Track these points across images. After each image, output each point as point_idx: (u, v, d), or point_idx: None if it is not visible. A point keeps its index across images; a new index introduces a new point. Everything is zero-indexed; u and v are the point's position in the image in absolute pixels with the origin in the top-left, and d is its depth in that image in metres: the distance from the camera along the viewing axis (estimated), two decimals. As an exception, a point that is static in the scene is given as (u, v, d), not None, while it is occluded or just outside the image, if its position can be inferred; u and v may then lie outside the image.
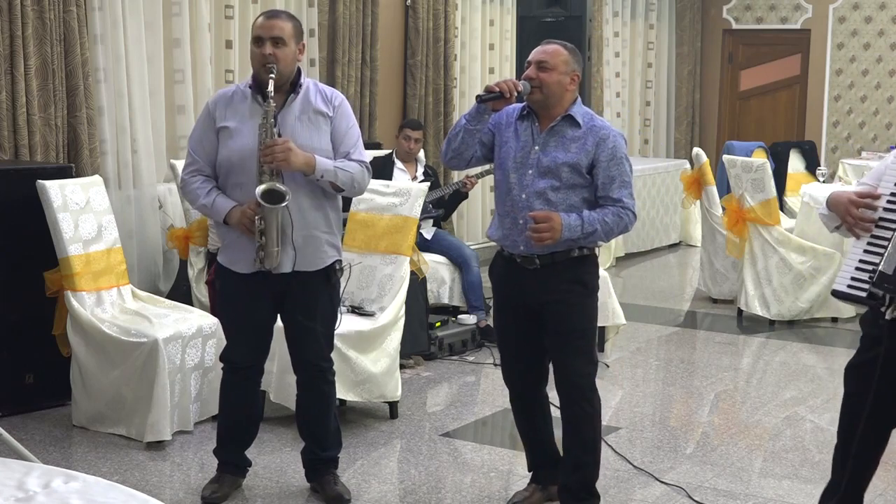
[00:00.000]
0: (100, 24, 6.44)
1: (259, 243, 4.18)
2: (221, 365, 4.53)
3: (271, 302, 4.35)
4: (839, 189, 3.50)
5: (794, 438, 5.39)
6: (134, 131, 6.69)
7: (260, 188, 4.13)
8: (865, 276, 3.24)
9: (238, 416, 4.52)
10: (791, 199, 9.86)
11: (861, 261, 3.28)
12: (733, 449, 5.28)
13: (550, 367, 4.43)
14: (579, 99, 4.28)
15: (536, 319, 4.26)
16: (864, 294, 3.25)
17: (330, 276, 4.39)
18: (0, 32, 5.86)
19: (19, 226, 5.35)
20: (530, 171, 4.18)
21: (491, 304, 7.61)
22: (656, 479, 4.80)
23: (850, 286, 3.28)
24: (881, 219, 3.29)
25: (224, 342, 5.33)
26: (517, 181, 4.19)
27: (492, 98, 4.12)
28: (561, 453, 4.42)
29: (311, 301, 4.37)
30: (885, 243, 3.22)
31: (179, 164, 6.21)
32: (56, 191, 5.26)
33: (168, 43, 6.96)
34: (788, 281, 7.68)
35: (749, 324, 7.90)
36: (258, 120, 4.22)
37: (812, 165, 10.41)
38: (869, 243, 3.29)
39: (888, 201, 3.30)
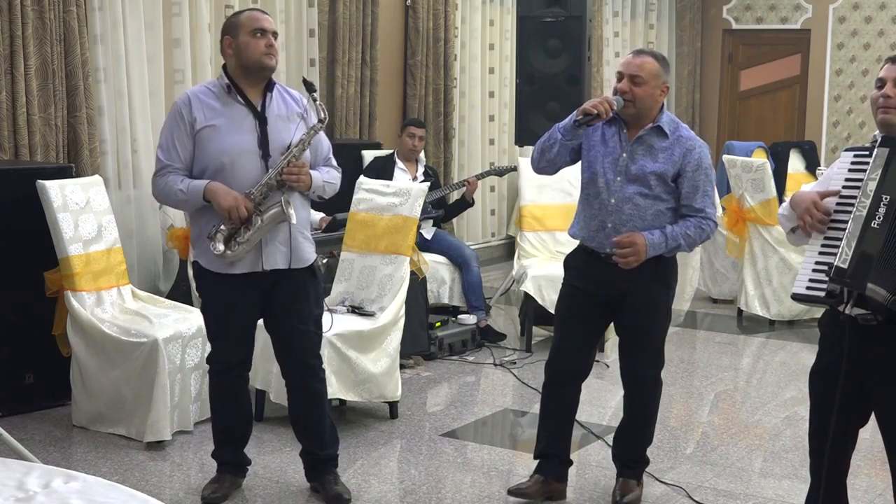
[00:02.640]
0: (100, 24, 6.44)
1: (245, 238, 4.14)
2: (209, 366, 4.48)
3: (259, 300, 4.33)
4: (804, 189, 3.60)
5: (794, 438, 5.39)
6: (134, 131, 6.69)
7: (284, 197, 4.16)
8: (822, 277, 3.33)
9: (232, 416, 4.50)
10: (791, 200, 9.84)
11: (817, 262, 3.37)
12: (733, 449, 5.28)
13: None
14: (665, 106, 4.39)
15: (608, 311, 4.42)
16: (822, 294, 3.33)
17: (315, 272, 4.42)
18: (0, 32, 5.86)
19: (19, 226, 5.34)
20: (619, 178, 4.31)
21: (491, 304, 7.70)
22: (656, 479, 4.80)
23: (808, 288, 3.36)
24: (833, 220, 3.39)
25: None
26: (605, 186, 4.32)
27: (589, 120, 4.21)
28: (570, 455, 4.60)
29: (302, 302, 4.36)
30: (839, 243, 3.31)
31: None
32: (56, 191, 5.26)
33: (168, 43, 6.96)
34: (788, 281, 7.67)
35: (749, 324, 7.90)
36: (243, 119, 4.20)
37: (812, 165, 10.40)
38: (823, 245, 3.38)
39: (838, 203, 3.40)
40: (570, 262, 4.53)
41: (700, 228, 4.32)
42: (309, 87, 4.26)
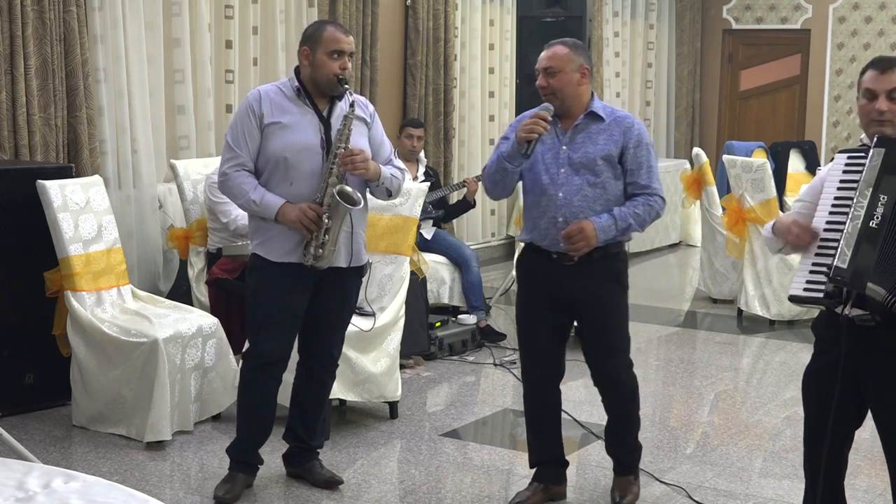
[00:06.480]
0: (100, 24, 6.44)
1: (322, 241, 4.27)
2: (246, 361, 4.50)
3: (310, 291, 4.43)
4: (785, 216, 3.64)
5: (794, 438, 5.38)
6: (134, 131, 6.68)
7: (337, 188, 4.27)
8: (820, 278, 3.32)
9: (261, 414, 4.53)
10: (791, 199, 9.85)
11: (814, 264, 3.38)
12: (733, 449, 5.28)
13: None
14: (595, 95, 4.36)
15: (568, 312, 4.37)
16: (820, 295, 3.33)
17: (362, 273, 4.57)
18: (0, 32, 5.86)
19: (19, 226, 5.34)
20: (562, 170, 4.26)
21: (491, 304, 7.70)
22: (656, 479, 4.80)
23: (805, 289, 3.36)
24: (829, 222, 3.39)
25: (225, 342, 5.38)
26: (550, 181, 4.27)
27: (535, 144, 4.17)
28: (566, 453, 4.59)
29: (350, 296, 4.55)
30: (835, 244, 3.31)
31: (179, 164, 6.22)
32: (56, 191, 5.26)
33: (168, 43, 6.96)
34: (788, 281, 7.65)
35: (749, 324, 7.90)
36: (310, 121, 4.36)
37: (812, 165, 10.41)
38: (819, 247, 3.39)
39: (833, 205, 3.40)
40: (521, 264, 4.48)
41: (648, 206, 4.26)
42: (341, 81, 4.35)
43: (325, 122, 4.38)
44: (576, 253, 4.20)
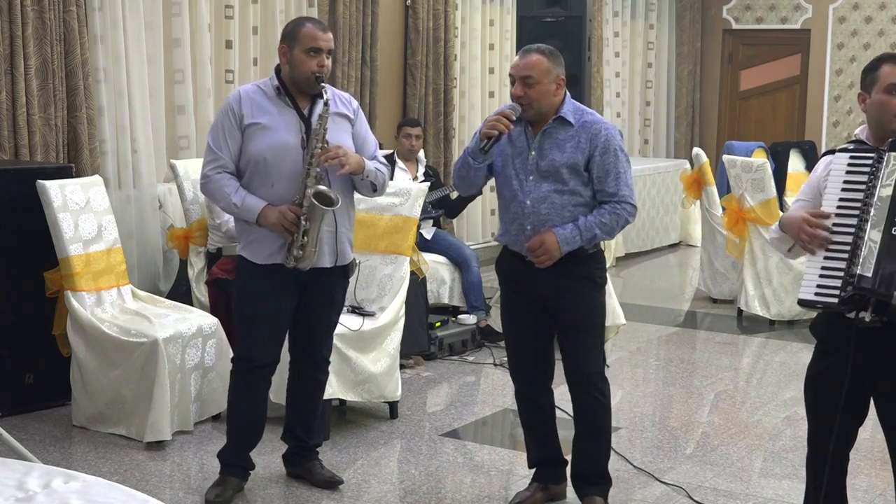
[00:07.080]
0: (100, 24, 6.44)
1: (300, 243, 4.26)
2: (235, 364, 4.50)
3: (295, 295, 4.42)
4: (791, 212, 3.55)
5: (794, 438, 5.39)
6: (134, 131, 6.68)
7: (313, 189, 4.24)
8: (831, 283, 3.26)
9: (250, 418, 4.52)
10: (791, 199, 9.82)
11: (823, 267, 3.30)
12: (733, 449, 5.28)
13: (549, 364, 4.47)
14: (568, 95, 4.29)
15: (547, 312, 4.31)
16: (834, 300, 3.26)
17: (348, 273, 4.53)
18: (0, 32, 5.86)
19: (19, 226, 5.34)
20: (531, 177, 4.21)
21: (491, 304, 7.70)
22: (656, 479, 4.80)
23: (817, 293, 3.29)
24: (836, 224, 3.32)
25: (225, 342, 5.38)
26: (519, 188, 4.23)
27: (494, 142, 4.14)
28: (564, 453, 4.50)
29: (336, 296, 4.53)
30: (846, 247, 3.26)
31: (179, 165, 6.22)
32: (56, 191, 5.26)
33: (168, 43, 6.95)
34: (788, 281, 7.68)
35: (749, 324, 7.90)
36: (290, 120, 4.33)
37: (812, 165, 10.36)
38: (828, 250, 3.32)
39: (838, 207, 3.33)
40: (501, 266, 4.44)
41: (615, 214, 4.18)
42: (318, 79, 4.32)
43: (306, 122, 4.34)
44: (540, 265, 4.18)
